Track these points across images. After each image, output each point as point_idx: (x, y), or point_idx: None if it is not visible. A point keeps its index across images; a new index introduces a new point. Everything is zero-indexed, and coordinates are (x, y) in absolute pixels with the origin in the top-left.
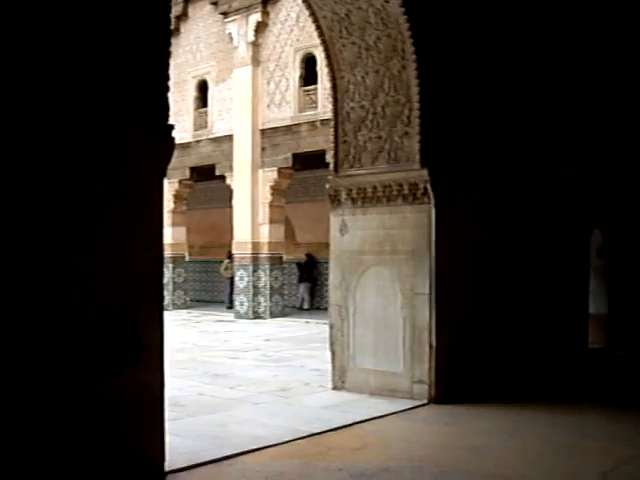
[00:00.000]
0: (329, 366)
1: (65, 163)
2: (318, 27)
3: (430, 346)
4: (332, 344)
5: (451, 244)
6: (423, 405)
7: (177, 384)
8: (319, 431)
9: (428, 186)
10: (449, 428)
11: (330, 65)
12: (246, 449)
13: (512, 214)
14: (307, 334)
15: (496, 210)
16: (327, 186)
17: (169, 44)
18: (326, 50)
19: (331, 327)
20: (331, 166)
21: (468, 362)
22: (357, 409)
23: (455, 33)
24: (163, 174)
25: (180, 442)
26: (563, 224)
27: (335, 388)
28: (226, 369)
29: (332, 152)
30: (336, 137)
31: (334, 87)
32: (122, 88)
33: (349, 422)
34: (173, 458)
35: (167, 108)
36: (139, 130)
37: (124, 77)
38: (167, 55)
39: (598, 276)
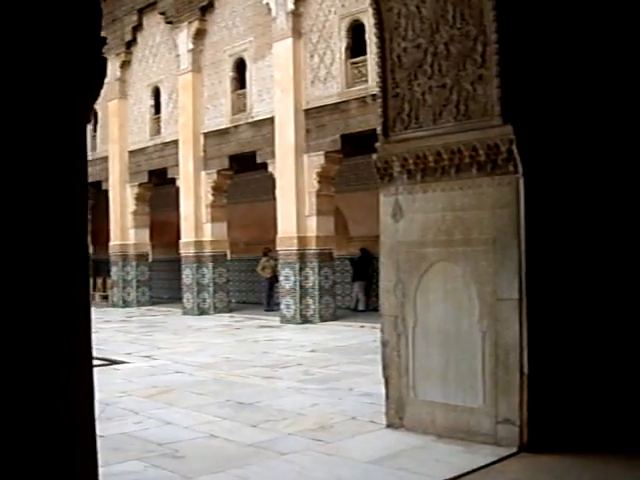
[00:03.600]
0: (384, 390)
1: None
2: None
3: (521, 372)
4: (385, 367)
5: (548, 229)
6: (512, 455)
7: (185, 419)
8: None
9: (514, 148)
10: None
11: None
12: None
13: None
14: (361, 342)
15: (609, 184)
16: (374, 157)
17: None
18: None
19: (384, 345)
20: (379, 129)
21: (574, 394)
22: (420, 464)
23: None
24: (81, 126)
25: None
26: None
27: (390, 426)
28: (255, 394)
29: (379, 110)
30: (384, 90)
31: (379, 24)
32: None
33: None
34: None
35: (97, 21)
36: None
37: None
38: None
39: None
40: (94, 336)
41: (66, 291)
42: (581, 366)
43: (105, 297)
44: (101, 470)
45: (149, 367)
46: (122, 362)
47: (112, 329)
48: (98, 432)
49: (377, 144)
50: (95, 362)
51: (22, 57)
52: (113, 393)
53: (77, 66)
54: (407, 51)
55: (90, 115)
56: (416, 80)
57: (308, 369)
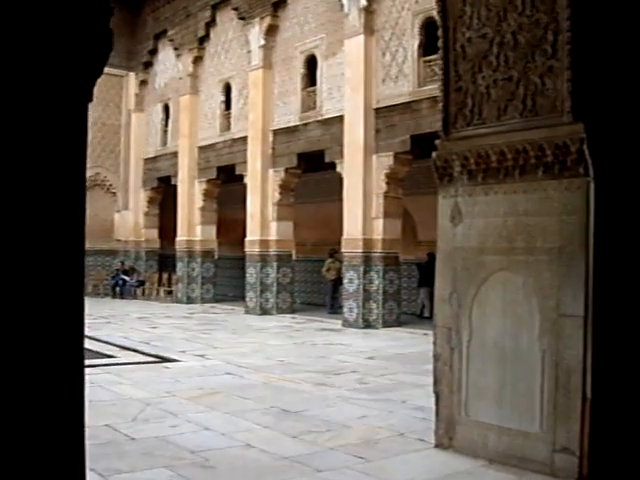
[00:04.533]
0: (434, 407)
1: None
2: None
3: (583, 397)
4: (436, 382)
5: (620, 240)
6: None
7: (224, 425)
8: None
9: (585, 148)
10: None
11: None
12: None
13: None
14: (422, 350)
15: None
16: (433, 154)
17: None
18: None
19: (436, 358)
20: (439, 125)
21: None
22: None
23: None
24: (84, 105)
25: None
26: None
27: (439, 446)
28: (302, 402)
29: (440, 105)
30: (446, 83)
31: (443, 12)
32: None
33: None
34: None
35: None
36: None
37: None
38: None
39: None
40: (153, 332)
41: (51, 286)
42: None
43: (170, 292)
44: (124, 476)
45: (200, 367)
46: (174, 360)
47: (172, 325)
48: (132, 434)
49: (437, 141)
50: (147, 359)
51: (18, 25)
52: (158, 392)
53: (81, 37)
54: (471, 41)
55: (93, 92)
56: (480, 73)
57: (363, 377)
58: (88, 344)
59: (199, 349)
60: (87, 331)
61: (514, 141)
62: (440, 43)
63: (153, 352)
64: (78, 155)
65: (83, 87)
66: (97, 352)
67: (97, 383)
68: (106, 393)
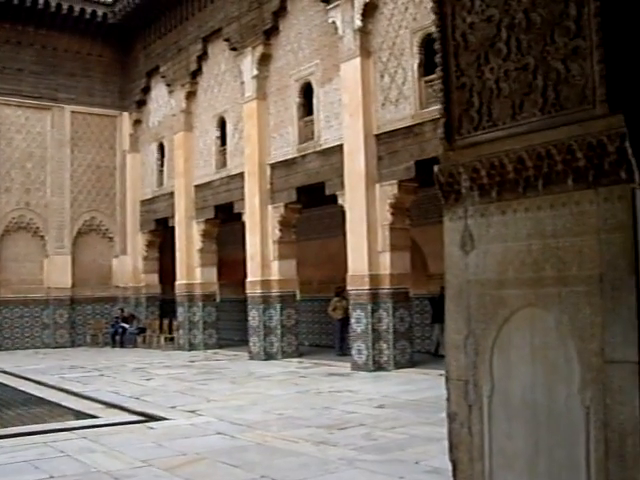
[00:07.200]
0: (452, 478)
1: None
2: None
3: None
4: (452, 448)
5: None
6: None
7: None
8: None
9: (626, 147)
10: None
11: None
12: None
13: None
14: (437, 395)
15: None
16: (435, 169)
17: None
18: None
19: (451, 419)
20: (440, 132)
21: None
22: None
23: None
24: None
25: None
26: None
27: None
28: (298, 468)
29: (440, 107)
30: (446, 81)
31: None
32: None
33: None
34: None
35: None
36: None
37: None
38: None
39: None
40: (146, 385)
41: None
42: None
43: (171, 339)
44: None
45: (188, 426)
46: (161, 418)
47: (167, 376)
48: None
49: (440, 152)
50: (132, 418)
51: None
52: (131, 462)
53: None
54: (474, 27)
55: None
56: (487, 64)
57: (370, 432)
58: (71, 403)
59: (191, 403)
60: (74, 387)
61: (535, 144)
62: (436, 33)
63: (140, 409)
64: None
65: None
66: (79, 412)
67: (66, 452)
68: (72, 465)
